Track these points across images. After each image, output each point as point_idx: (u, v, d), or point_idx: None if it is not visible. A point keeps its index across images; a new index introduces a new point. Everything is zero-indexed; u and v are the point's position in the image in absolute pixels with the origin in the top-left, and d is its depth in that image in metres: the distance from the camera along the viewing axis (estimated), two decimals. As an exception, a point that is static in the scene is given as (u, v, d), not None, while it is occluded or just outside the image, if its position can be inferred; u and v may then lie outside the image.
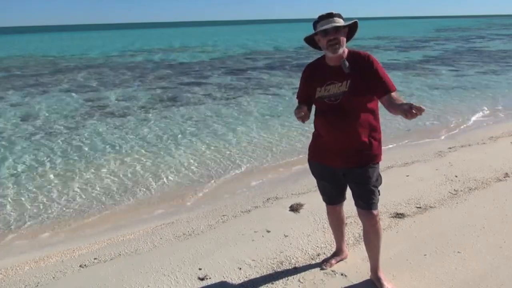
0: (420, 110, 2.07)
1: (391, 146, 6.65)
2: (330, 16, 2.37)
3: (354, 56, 2.46)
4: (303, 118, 2.47)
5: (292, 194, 4.69)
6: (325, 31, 2.35)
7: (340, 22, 2.36)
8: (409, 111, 2.10)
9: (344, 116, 2.45)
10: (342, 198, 2.84)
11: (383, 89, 2.39)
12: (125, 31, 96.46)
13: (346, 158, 2.52)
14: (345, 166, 2.56)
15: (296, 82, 2.58)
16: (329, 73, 2.47)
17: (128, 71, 18.07)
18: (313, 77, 2.55)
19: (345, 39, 2.41)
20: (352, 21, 2.42)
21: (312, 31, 2.48)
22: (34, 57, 27.60)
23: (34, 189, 5.44)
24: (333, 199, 2.85)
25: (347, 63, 2.41)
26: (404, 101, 2.26)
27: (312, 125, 2.73)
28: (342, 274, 2.94)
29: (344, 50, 2.43)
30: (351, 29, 2.47)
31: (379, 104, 2.52)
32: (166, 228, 4.04)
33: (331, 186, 2.76)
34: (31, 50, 34.68)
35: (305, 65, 2.70)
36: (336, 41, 2.35)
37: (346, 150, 2.51)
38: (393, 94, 2.37)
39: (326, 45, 2.38)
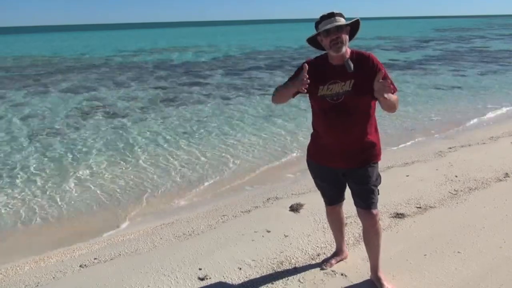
0: (383, 84, 2.23)
1: (391, 146, 6.65)
2: (331, 15, 2.36)
3: (357, 56, 2.46)
4: (302, 80, 2.29)
5: (292, 194, 4.69)
6: (327, 30, 2.35)
7: (341, 21, 2.35)
8: (381, 88, 2.24)
9: (346, 115, 2.44)
10: (341, 198, 2.84)
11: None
12: (125, 31, 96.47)
13: (347, 158, 2.52)
14: (346, 166, 2.56)
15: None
16: (332, 72, 2.45)
17: (128, 71, 18.08)
18: (313, 75, 2.49)
19: (347, 38, 2.41)
20: (354, 20, 2.42)
21: (314, 32, 2.48)
22: (34, 57, 27.60)
23: (33, 189, 5.43)
24: (333, 200, 2.84)
25: (351, 63, 2.40)
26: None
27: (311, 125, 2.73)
28: (342, 274, 2.94)
29: (347, 49, 2.43)
30: (353, 28, 2.46)
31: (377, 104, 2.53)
32: (166, 228, 4.04)
33: (330, 187, 2.75)
34: (31, 50, 34.68)
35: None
36: (338, 40, 2.34)
37: (347, 150, 2.50)
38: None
39: (329, 45, 2.37)
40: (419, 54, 22.18)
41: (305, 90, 2.33)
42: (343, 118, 2.45)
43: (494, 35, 40.71)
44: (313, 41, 2.52)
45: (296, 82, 2.34)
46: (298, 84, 2.31)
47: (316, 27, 2.43)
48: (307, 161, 2.79)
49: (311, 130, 2.73)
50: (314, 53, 2.53)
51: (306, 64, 2.36)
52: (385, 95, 2.27)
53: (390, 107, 2.38)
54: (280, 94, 2.50)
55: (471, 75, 14.68)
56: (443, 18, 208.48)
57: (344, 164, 2.55)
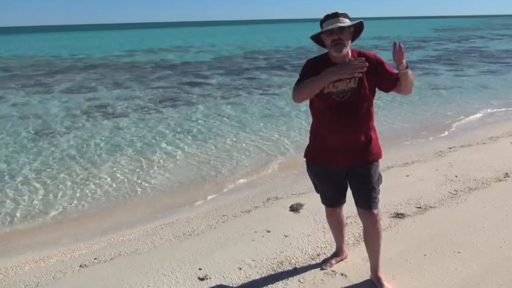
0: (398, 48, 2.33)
1: (391, 146, 6.64)
2: (335, 15, 2.38)
3: (359, 55, 2.49)
4: (354, 65, 2.25)
5: (292, 194, 4.69)
6: (330, 30, 2.36)
7: (345, 22, 2.36)
8: (397, 57, 2.34)
9: (351, 112, 2.46)
10: (342, 200, 2.82)
11: (397, 80, 2.49)
12: (125, 31, 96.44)
13: (351, 157, 2.53)
14: (350, 165, 2.56)
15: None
16: None
17: (128, 71, 18.08)
18: (319, 72, 2.42)
19: (350, 39, 2.41)
20: (358, 21, 2.43)
21: (315, 31, 2.49)
22: (34, 57, 27.59)
23: (33, 190, 5.43)
24: (333, 201, 2.84)
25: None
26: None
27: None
28: (342, 274, 2.94)
29: (348, 50, 2.44)
30: (357, 29, 2.47)
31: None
32: (166, 228, 4.04)
33: (331, 187, 2.74)
34: (31, 50, 34.67)
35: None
36: (340, 41, 2.36)
37: (351, 148, 2.51)
38: None
39: (331, 45, 2.39)
40: (419, 54, 22.16)
41: (361, 74, 2.30)
42: (349, 115, 2.46)
43: (494, 35, 40.70)
44: (316, 38, 2.53)
45: (346, 67, 2.25)
46: (350, 70, 2.24)
47: (321, 25, 2.45)
48: (307, 162, 2.77)
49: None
50: (314, 52, 2.53)
51: (353, 59, 2.31)
52: (405, 68, 2.36)
53: (409, 84, 2.46)
54: (311, 88, 2.38)
55: (471, 75, 14.68)
56: (443, 18, 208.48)
57: (349, 163, 2.55)
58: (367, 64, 2.25)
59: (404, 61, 2.35)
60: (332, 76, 2.31)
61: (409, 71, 2.41)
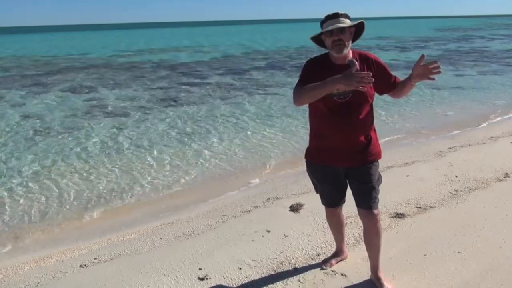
0: (427, 67, 2.35)
1: (391, 146, 6.64)
2: (336, 16, 2.38)
3: (361, 56, 2.50)
4: (363, 78, 2.16)
5: (292, 194, 4.69)
6: (330, 31, 2.36)
7: (346, 23, 2.36)
8: (425, 71, 2.35)
9: (352, 113, 2.46)
10: (342, 200, 2.83)
11: (394, 85, 2.55)
12: (125, 31, 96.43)
13: (351, 157, 2.53)
14: (350, 165, 2.56)
15: (296, 82, 2.55)
16: (337, 71, 2.41)
17: (128, 71, 18.08)
18: (319, 73, 2.44)
19: (350, 39, 2.41)
20: (358, 22, 2.42)
21: (319, 30, 2.49)
22: (34, 57, 27.58)
23: (32, 190, 5.43)
24: (333, 201, 2.84)
25: (355, 62, 2.40)
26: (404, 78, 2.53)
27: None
28: (342, 274, 2.94)
29: (349, 50, 2.44)
30: (358, 29, 2.47)
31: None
32: (166, 228, 4.04)
33: (331, 188, 2.74)
34: (31, 50, 34.67)
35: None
36: (340, 41, 2.36)
37: (353, 148, 2.52)
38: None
39: (331, 45, 2.39)
40: (419, 54, 22.07)
41: (365, 89, 2.25)
42: (349, 116, 2.46)
43: (494, 35, 40.69)
44: (316, 39, 2.53)
45: (352, 79, 2.16)
46: (356, 82, 2.15)
47: (321, 26, 2.45)
48: (307, 162, 2.77)
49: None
50: (313, 52, 2.53)
51: (354, 60, 2.35)
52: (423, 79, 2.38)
53: (408, 93, 2.56)
54: (313, 95, 2.35)
55: (471, 75, 14.68)
56: (443, 18, 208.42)
57: (349, 163, 2.56)
58: (373, 80, 2.18)
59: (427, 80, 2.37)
60: (336, 85, 2.28)
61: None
